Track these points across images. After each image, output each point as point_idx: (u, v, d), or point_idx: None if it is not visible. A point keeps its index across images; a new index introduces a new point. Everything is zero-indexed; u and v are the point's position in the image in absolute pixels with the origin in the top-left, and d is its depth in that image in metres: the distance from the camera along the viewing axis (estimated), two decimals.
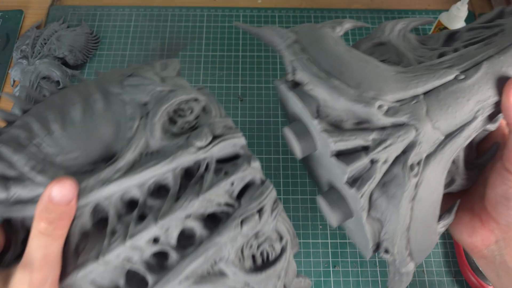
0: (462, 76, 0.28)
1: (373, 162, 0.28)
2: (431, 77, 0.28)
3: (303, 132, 0.31)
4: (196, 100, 0.30)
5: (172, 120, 0.29)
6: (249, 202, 0.28)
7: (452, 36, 0.35)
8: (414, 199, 0.29)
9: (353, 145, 0.28)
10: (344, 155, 0.28)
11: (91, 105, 0.29)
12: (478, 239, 0.35)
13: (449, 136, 0.29)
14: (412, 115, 0.27)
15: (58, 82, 0.61)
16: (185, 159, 0.27)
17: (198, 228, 0.27)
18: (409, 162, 0.28)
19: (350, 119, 0.28)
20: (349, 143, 0.28)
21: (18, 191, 0.26)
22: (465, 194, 0.36)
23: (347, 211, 0.31)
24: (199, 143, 0.28)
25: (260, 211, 0.28)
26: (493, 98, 0.28)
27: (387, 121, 0.27)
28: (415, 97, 0.28)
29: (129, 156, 0.27)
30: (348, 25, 0.35)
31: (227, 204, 0.28)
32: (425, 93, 0.28)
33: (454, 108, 0.28)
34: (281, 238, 0.30)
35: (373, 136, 0.28)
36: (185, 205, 0.27)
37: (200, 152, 0.28)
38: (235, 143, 0.29)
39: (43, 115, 0.29)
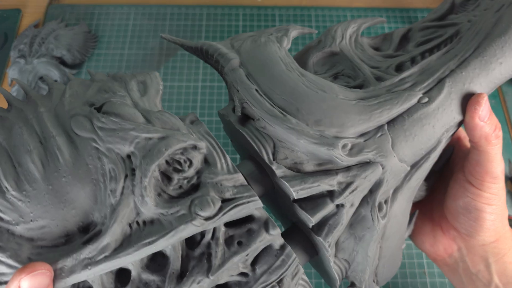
0: (426, 99, 0.27)
1: (339, 206, 0.26)
2: (394, 103, 0.26)
3: (256, 175, 0.28)
4: (195, 147, 0.24)
5: (165, 175, 0.24)
6: (269, 275, 0.24)
7: (405, 36, 0.34)
8: (382, 238, 0.28)
9: (317, 191, 0.25)
10: (307, 200, 0.26)
11: (54, 154, 0.22)
12: (440, 248, 0.35)
13: (415, 166, 0.28)
14: (378, 151, 0.26)
15: (55, 81, 0.60)
16: (189, 232, 0.23)
17: None
18: (377, 202, 0.26)
19: (311, 160, 0.26)
20: (313, 190, 0.25)
21: None
22: (423, 203, 0.36)
23: (312, 251, 0.29)
24: (205, 214, 0.23)
25: (280, 282, 0.25)
26: (457, 118, 0.28)
27: (352, 161, 0.25)
28: (380, 128, 0.26)
29: (115, 229, 0.22)
30: (294, 32, 0.32)
31: (241, 274, 0.25)
32: (389, 122, 0.27)
33: (420, 137, 0.27)
34: None
35: (338, 179, 0.25)
36: None
37: (207, 223, 0.23)
38: (250, 208, 0.24)
39: None
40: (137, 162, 0.23)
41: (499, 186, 0.30)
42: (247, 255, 0.24)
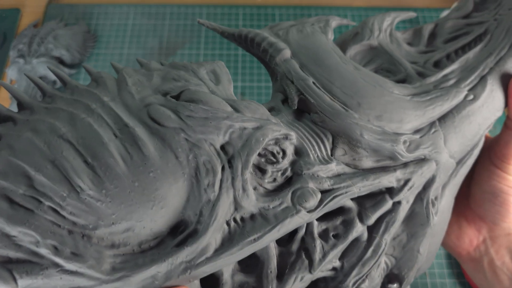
0: (471, 96, 0.28)
1: (395, 203, 0.25)
2: (445, 100, 0.27)
3: None
4: (286, 137, 0.23)
5: (258, 168, 0.22)
6: (361, 268, 0.24)
7: (432, 32, 0.34)
8: (432, 234, 0.28)
9: (377, 188, 0.25)
10: (366, 197, 0.25)
11: (135, 147, 0.20)
12: (466, 240, 0.34)
13: (460, 162, 0.28)
14: (433, 147, 0.26)
15: (54, 82, 0.60)
16: (293, 225, 0.22)
17: None
18: (430, 198, 0.26)
19: (371, 156, 0.25)
20: (374, 186, 0.25)
21: (36, 283, 0.18)
22: None
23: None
24: (309, 205, 0.22)
25: (368, 274, 0.24)
26: (497, 115, 0.29)
27: (410, 156, 0.25)
28: (433, 124, 0.27)
29: (216, 227, 0.20)
30: (334, 23, 0.31)
31: (332, 269, 0.24)
32: (440, 118, 0.27)
33: (467, 133, 0.28)
34: None
35: (396, 175, 0.25)
36: (295, 286, 0.22)
37: (309, 215, 0.22)
38: (347, 198, 0.23)
39: (49, 156, 0.19)
40: (234, 153, 0.21)
41: None
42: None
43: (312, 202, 0.22)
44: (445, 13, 0.63)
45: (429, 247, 0.28)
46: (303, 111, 0.26)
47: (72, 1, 0.70)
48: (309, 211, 0.22)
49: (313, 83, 0.25)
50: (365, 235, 0.25)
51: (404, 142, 0.25)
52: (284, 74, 0.26)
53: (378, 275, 0.25)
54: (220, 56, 0.64)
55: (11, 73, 0.61)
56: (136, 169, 0.20)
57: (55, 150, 0.19)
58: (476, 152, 0.29)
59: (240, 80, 0.63)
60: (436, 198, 0.27)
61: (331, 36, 0.29)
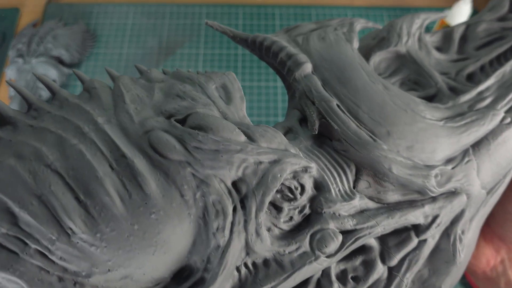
0: (509, 119, 0.25)
1: (421, 241, 0.23)
2: (481, 125, 0.24)
3: None
4: (305, 170, 0.20)
5: (274, 205, 0.20)
6: None
7: (463, 35, 0.32)
8: (456, 272, 0.26)
9: (402, 225, 0.23)
10: (390, 234, 0.23)
11: (134, 183, 0.17)
12: (483, 260, 0.33)
13: (491, 191, 0.26)
14: (466, 179, 0.23)
15: (54, 81, 0.60)
16: (310, 273, 0.20)
17: None
18: (458, 234, 0.24)
19: (398, 190, 0.23)
20: (399, 224, 0.22)
21: None
22: None
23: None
24: (329, 250, 0.20)
25: None
26: None
27: (440, 191, 0.23)
28: (466, 153, 0.24)
29: (225, 275, 0.18)
30: (358, 27, 0.28)
31: None
32: (474, 145, 0.25)
33: (502, 161, 0.25)
34: None
35: (424, 211, 0.23)
36: None
37: (329, 260, 0.20)
38: (371, 237, 0.21)
39: (35, 190, 0.17)
40: (248, 192, 0.19)
41: None
42: None
43: (333, 246, 0.20)
44: (445, 13, 0.63)
45: (452, 282, 0.26)
46: (324, 136, 0.23)
47: (72, 1, 0.70)
48: (329, 256, 0.20)
49: (337, 105, 0.23)
50: (385, 274, 0.22)
51: (436, 175, 0.23)
52: (304, 92, 0.24)
53: None
54: (220, 56, 0.64)
55: (10, 73, 0.60)
56: (135, 210, 0.17)
57: (41, 183, 0.17)
58: (508, 180, 0.27)
59: (240, 80, 0.62)
60: (463, 232, 0.25)
61: (356, 44, 0.27)
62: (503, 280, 0.33)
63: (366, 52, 0.30)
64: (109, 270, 0.17)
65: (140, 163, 0.17)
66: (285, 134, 0.23)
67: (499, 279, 0.33)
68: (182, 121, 0.19)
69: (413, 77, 0.29)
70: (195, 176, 0.18)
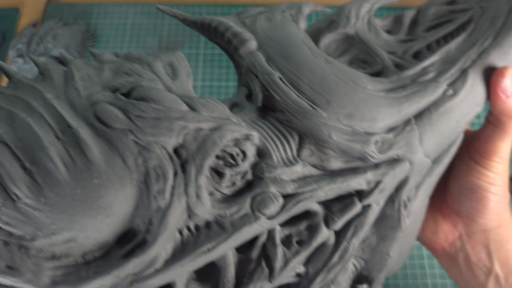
0: (451, 91, 0.26)
1: (365, 206, 0.24)
2: (423, 96, 0.25)
3: None
4: (247, 138, 0.21)
5: (215, 171, 0.21)
6: (326, 274, 0.23)
7: (414, 19, 0.32)
8: (403, 236, 0.26)
9: (345, 191, 0.24)
10: (333, 200, 0.24)
11: (78, 151, 0.18)
12: (441, 236, 0.34)
13: (436, 161, 0.27)
14: (408, 147, 0.24)
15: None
16: (252, 234, 0.20)
17: None
18: (402, 200, 0.25)
19: (340, 157, 0.24)
20: (342, 190, 0.23)
21: None
22: None
23: None
24: (269, 212, 0.20)
25: (334, 280, 0.23)
26: (477, 110, 0.27)
27: (382, 158, 0.24)
28: (408, 122, 0.25)
29: (166, 237, 0.19)
30: (307, 10, 0.29)
31: (296, 275, 0.23)
32: (416, 116, 0.25)
33: (445, 131, 0.26)
34: None
35: (367, 177, 0.24)
36: None
37: (270, 222, 0.21)
38: (312, 203, 0.22)
39: None
40: (188, 157, 0.19)
41: (504, 167, 0.30)
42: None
43: (273, 208, 0.20)
44: None
45: (400, 249, 0.27)
46: (268, 109, 0.24)
47: (71, 1, 0.70)
48: (270, 218, 0.21)
49: (280, 78, 0.24)
50: (332, 239, 0.23)
51: (376, 142, 0.24)
52: (249, 68, 0.24)
53: (345, 279, 0.24)
54: (220, 56, 0.64)
55: None
56: (79, 175, 0.18)
57: None
58: (453, 150, 0.28)
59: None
60: (409, 199, 0.26)
61: (303, 24, 0.27)
62: (462, 255, 0.33)
63: (317, 35, 0.30)
64: (53, 233, 0.18)
65: (85, 133, 0.18)
66: (231, 109, 0.24)
67: (458, 254, 0.33)
68: (127, 95, 0.20)
69: (361, 56, 0.29)
70: (137, 143, 0.19)
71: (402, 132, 0.25)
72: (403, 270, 0.49)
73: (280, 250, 0.22)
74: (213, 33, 0.27)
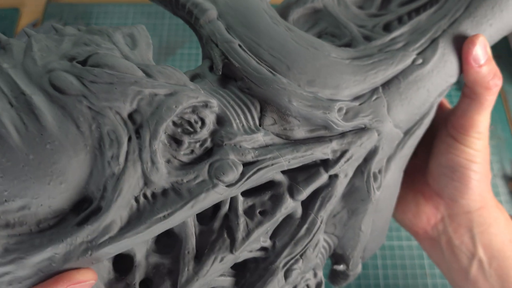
0: (420, 60, 0.25)
1: (332, 177, 0.23)
2: (389, 64, 0.25)
3: None
4: (206, 105, 0.21)
5: (173, 139, 0.21)
6: (293, 247, 0.22)
7: None
8: (375, 210, 0.26)
9: (310, 160, 0.23)
10: (298, 170, 0.23)
11: (31, 117, 0.18)
12: (423, 219, 0.33)
13: (408, 132, 0.27)
14: (374, 116, 0.24)
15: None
16: (210, 201, 0.20)
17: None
18: (372, 171, 0.24)
19: (303, 125, 0.23)
20: (306, 159, 0.23)
21: None
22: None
23: None
24: (228, 179, 0.20)
25: (303, 255, 0.23)
26: (450, 81, 0.27)
27: (347, 126, 0.23)
28: (375, 90, 0.25)
29: (120, 203, 0.18)
30: None
31: (261, 249, 0.23)
32: (384, 84, 0.25)
33: (415, 101, 0.25)
34: (315, 275, 0.25)
35: (332, 146, 0.23)
36: (214, 267, 0.20)
37: (229, 190, 0.20)
38: (273, 171, 0.22)
39: None
40: (143, 122, 0.19)
41: (483, 143, 0.29)
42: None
43: (232, 175, 0.20)
44: None
45: (375, 224, 0.26)
46: (229, 78, 0.24)
47: (72, 1, 0.70)
48: (229, 186, 0.20)
49: (239, 45, 0.23)
50: (299, 212, 0.23)
51: (340, 109, 0.23)
52: (209, 37, 0.24)
53: (315, 255, 0.24)
54: None
55: None
56: (31, 141, 0.18)
57: None
58: (427, 122, 0.27)
59: None
60: (379, 171, 0.25)
61: None
62: (444, 238, 0.32)
63: (285, 11, 0.30)
64: (5, 200, 0.17)
65: (38, 99, 0.18)
66: (192, 79, 0.24)
67: (440, 238, 0.32)
68: (84, 63, 0.20)
69: (330, 29, 0.29)
70: (91, 109, 0.19)
71: (368, 100, 0.24)
72: (403, 270, 0.49)
73: (242, 220, 0.21)
74: (175, 5, 0.26)
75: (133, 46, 0.22)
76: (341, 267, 0.27)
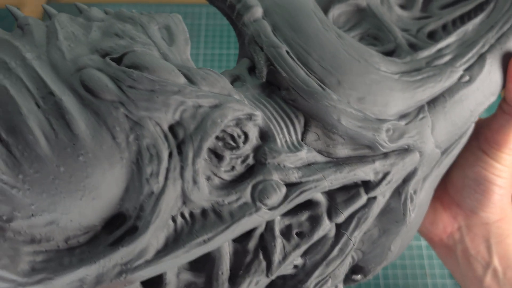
0: (467, 77, 0.25)
1: (371, 198, 0.23)
2: (438, 81, 0.24)
3: None
4: (250, 118, 0.19)
5: (214, 153, 0.19)
6: (325, 268, 0.22)
7: None
8: (406, 232, 0.25)
9: (351, 181, 0.22)
10: (338, 190, 0.22)
11: (61, 123, 0.16)
12: (440, 226, 0.33)
13: (446, 152, 0.26)
14: (419, 136, 0.23)
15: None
16: (251, 225, 0.19)
17: None
18: (409, 193, 0.24)
19: (347, 144, 0.22)
20: (347, 180, 0.22)
21: None
22: None
23: None
24: (271, 202, 0.19)
25: (332, 274, 0.22)
26: (492, 99, 0.26)
27: (392, 147, 0.22)
28: (421, 109, 0.24)
29: (158, 225, 0.17)
30: None
31: (293, 266, 0.22)
32: (429, 102, 0.24)
33: (458, 120, 0.25)
34: (336, 287, 0.24)
35: (375, 167, 0.22)
36: None
37: (271, 213, 0.19)
38: (317, 192, 0.21)
39: None
40: (186, 137, 0.18)
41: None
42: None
43: (276, 198, 0.19)
44: None
45: (402, 242, 0.26)
46: (272, 85, 0.22)
47: (72, 1, 0.70)
48: (271, 209, 0.19)
49: (287, 52, 0.22)
50: (333, 231, 0.22)
51: (387, 130, 0.22)
52: (253, 38, 0.22)
53: (343, 272, 0.23)
54: (220, 56, 0.64)
55: None
56: (62, 151, 0.16)
57: None
58: (464, 141, 0.27)
59: None
60: (415, 192, 0.24)
61: None
62: (460, 248, 0.32)
63: (326, 6, 0.29)
64: (32, 215, 0.16)
65: (69, 101, 0.16)
66: (232, 82, 0.22)
67: (456, 247, 0.32)
68: (118, 60, 0.18)
69: (372, 31, 0.28)
70: (128, 117, 0.17)
71: (414, 119, 0.23)
72: (403, 270, 0.49)
73: (279, 242, 0.20)
74: None
75: (170, 41, 0.21)
76: (358, 277, 0.27)
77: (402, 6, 0.30)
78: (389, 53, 0.27)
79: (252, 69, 0.23)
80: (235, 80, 0.23)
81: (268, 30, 0.22)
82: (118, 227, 0.18)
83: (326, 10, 0.28)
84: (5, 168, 0.15)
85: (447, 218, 0.32)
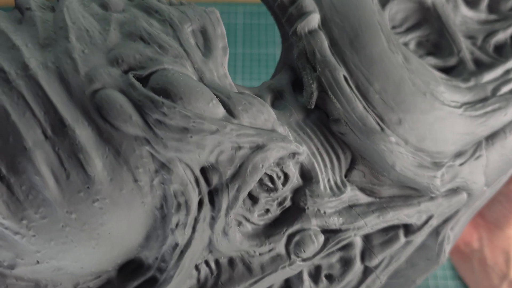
0: None
1: (409, 242, 0.21)
2: (502, 115, 0.21)
3: None
4: (293, 155, 0.17)
5: (249, 196, 0.17)
6: None
7: None
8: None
9: (392, 224, 0.20)
10: (376, 231, 0.21)
11: (74, 160, 0.13)
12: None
13: (490, 186, 0.24)
14: (471, 177, 0.21)
15: None
16: (282, 277, 0.17)
17: None
18: (447, 234, 0.22)
19: (395, 186, 0.20)
20: (388, 223, 0.20)
21: None
22: None
23: None
24: (307, 255, 0.17)
25: None
26: None
27: (442, 191, 0.20)
28: (478, 146, 0.21)
29: (181, 278, 0.15)
30: None
31: None
32: (488, 137, 0.22)
33: (511, 157, 0.22)
34: None
35: (419, 209, 0.20)
36: None
37: (304, 264, 0.18)
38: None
39: None
40: (220, 184, 0.15)
41: None
42: None
43: (312, 249, 0.17)
44: None
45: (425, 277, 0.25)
46: (319, 108, 0.19)
47: None
48: (305, 260, 0.17)
49: (344, 77, 0.18)
50: (361, 267, 0.20)
51: (442, 175, 0.20)
52: (305, 53, 0.19)
53: None
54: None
55: None
56: (74, 195, 0.13)
57: None
58: (509, 174, 0.24)
59: (240, 79, 0.62)
60: (452, 228, 0.22)
61: None
62: (477, 257, 0.32)
63: (386, 0, 0.24)
64: (38, 262, 0.14)
65: (84, 134, 0.13)
66: (273, 100, 0.20)
67: (473, 254, 0.33)
68: (144, 79, 0.15)
69: (433, 37, 0.24)
70: (154, 157, 0.14)
71: (470, 159, 0.21)
72: None
73: (306, 285, 0.18)
74: None
75: (205, 50, 0.17)
76: None
77: (468, 3, 0.26)
78: (450, 68, 0.24)
79: (296, 84, 0.20)
80: (276, 98, 0.20)
81: (325, 46, 0.19)
82: (134, 272, 0.16)
83: (384, 4, 0.24)
84: (6, 212, 0.13)
85: (468, 227, 0.32)
